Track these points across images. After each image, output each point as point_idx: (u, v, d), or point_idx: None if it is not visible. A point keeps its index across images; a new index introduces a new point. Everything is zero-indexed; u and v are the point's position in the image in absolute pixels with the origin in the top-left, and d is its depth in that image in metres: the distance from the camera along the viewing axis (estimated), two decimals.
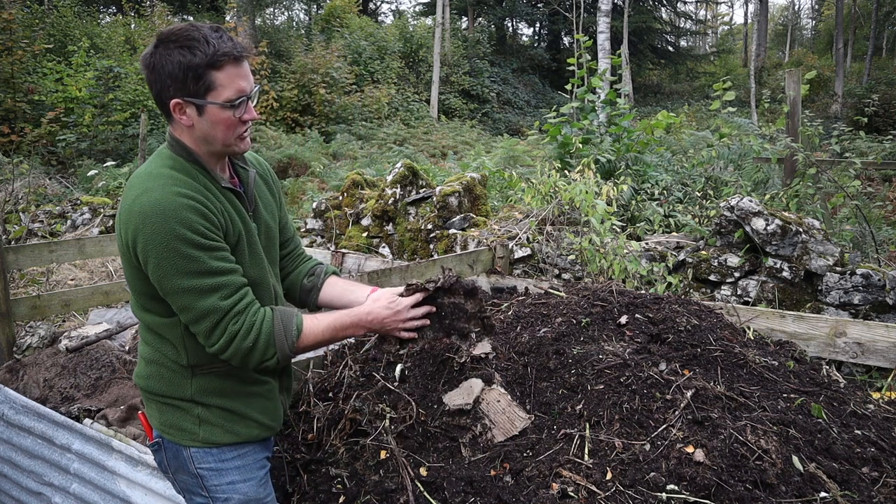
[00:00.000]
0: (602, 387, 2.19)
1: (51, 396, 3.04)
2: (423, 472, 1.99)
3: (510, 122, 24.87)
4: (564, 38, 33.24)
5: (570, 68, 7.20)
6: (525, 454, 2.02)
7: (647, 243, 4.52)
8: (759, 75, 27.06)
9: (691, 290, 4.03)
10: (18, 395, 2.73)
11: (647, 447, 1.94)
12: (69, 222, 7.24)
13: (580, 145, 6.30)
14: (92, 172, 10.69)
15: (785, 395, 2.20)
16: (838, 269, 3.69)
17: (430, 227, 5.68)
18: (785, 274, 3.80)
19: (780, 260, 3.83)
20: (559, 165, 5.58)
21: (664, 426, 2.01)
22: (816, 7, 46.06)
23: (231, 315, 1.54)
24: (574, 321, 2.61)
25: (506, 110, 26.22)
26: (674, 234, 5.11)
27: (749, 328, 2.82)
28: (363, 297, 1.87)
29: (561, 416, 2.15)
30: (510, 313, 2.91)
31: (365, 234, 6.25)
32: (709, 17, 46.76)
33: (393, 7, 43.91)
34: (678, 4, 36.16)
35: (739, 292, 3.93)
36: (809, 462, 1.86)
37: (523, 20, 34.54)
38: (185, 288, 1.50)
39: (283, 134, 15.52)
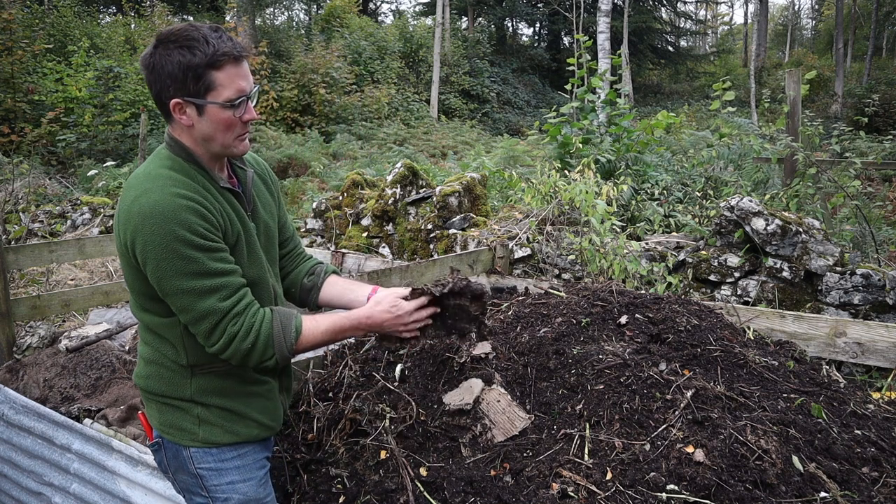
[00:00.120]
0: (602, 387, 2.19)
1: (51, 396, 3.04)
2: (423, 472, 1.99)
3: (510, 122, 24.87)
4: (564, 38, 33.24)
5: (570, 68, 7.20)
6: (525, 454, 2.02)
7: (647, 243, 4.52)
8: (759, 75, 27.06)
9: (691, 290, 4.03)
10: (18, 395, 2.73)
11: (647, 447, 1.94)
12: (69, 222, 7.24)
13: (580, 145, 6.30)
14: (92, 172, 10.69)
15: (785, 395, 2.20)
16: (838, 269, 3.69)
17: (430, 227, 5.68)
18: (785, 274, 3.80)
19: (780, 260, 3.83)
20: (559, 165, 5.58)
21: (664, 426, 2.01)
22: (816, 7, 46.07)
23: (230, 316, 1.54)
24: (574, 321, 2.61)
25: (506, 110, 26.22)
26: (674, 234, 5.11)
27: (749, 328, 2.82)
28: (363, 296, 1.87)
29: (561, 416, 2.15)
30: (510, 313, 2.91)
31: (365, 234, 6.25)
32: (709, 17, 46.76)
33: (393, 7, 43.96)
34: (678, 4, 36.17)
35: (739, 292, 3.93)
36: (809, 462, 1.86)
37: (523, 20, 34.54)
38: (184, 289, 1.50)
39: (283, 134, 15.52)
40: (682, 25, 37.60)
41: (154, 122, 13.76)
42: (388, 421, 2.14)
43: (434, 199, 5.81)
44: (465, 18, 32.12)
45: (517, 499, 1.83)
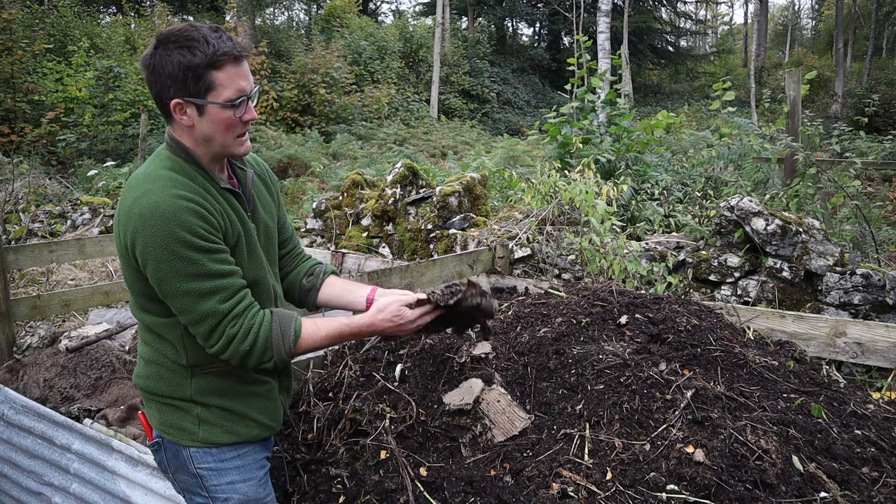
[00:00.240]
0: (602, 387, 2.19)
1: (51, 396, 3.04)
2: (423, 472, 1.99)
3: (510, 122, 24.87)
4: (564, 38, 33.24)
5: (570, 68, 7.20)
6: (525, 454, 2.02)
7: (647, 243, 4.52)
8: (759, 75, 27.06)
9: (691, 290, 4.03)
10: (18, 395, 2.73)
11: (647, 447, 1.94)
12: (69, 222, 7.24)
13: (580, 145, 6.30)
14: (92, 172, 10.69)
15: (785, 395, 2.20)
16: (838, 269, 3.69)
17: (430, 227, 5.68)
18: (785, 274, 3.80)
19: (780, 260, 3.83)
20: (559, 165, 5.58)
21: (664, 426, 2.01)
22: (816, 7, 46.07)
23: (229, 318, 1.54)
24: (574, 321, 2.61)
25: (506, 110, 26.22)
26: (674, 234, 5.12)
27: (749, 328, 2.82)
28: (362, 297, 1.87)
29: (561, 416, 2.15)
30: (510, 313, 2.91)
31: (365, 234, 6.25)
32: (709, 17, 46.76)
33: (393, 7, 43.96)
34: (678, 4, 36.17)
35: (739, 292, 3.93)
36: (809, 462, 1.86)
37: (523, 20, 34.54)
38: (184, 290, 1.50)
39: (283, 134, 15.52)
40: (682, 25, 37.60)
41: (154, 122, 13.76)
42: (388, 421, 2.14)
43: (434, 199, 5.81)
44: (465, 18, 32.11)
45: (517, 499, 1.83)
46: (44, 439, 2.60)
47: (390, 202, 6.12)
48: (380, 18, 36.86)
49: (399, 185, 6.16)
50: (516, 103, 27.03)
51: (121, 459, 2.32)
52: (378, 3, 39.12)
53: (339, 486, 2.03)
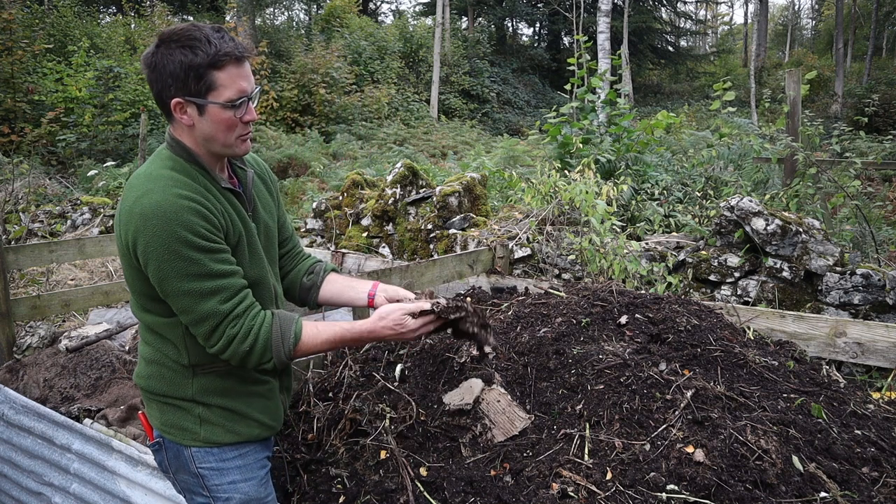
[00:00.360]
0: (602, 387, 2.19)
1: (51, 396, 3.04)
2: (423, 472, 1.99)
3: (510, 122, 24.87)
4: (564, 38, 33.24)
5: (570, 68, 7.20)
6: (525, 454, 2.02)
7: (647, 243, 4.52)
8: (759, 75, 27.06)
9: (691, 290, 4.03)
10: (18, 395, 2.73)
11: (647, 447, 1.94)
12: (69, 222, 7.24)
13: (580, 145, 6.30)
14: (92, 172, 10.69)
15: (785, 395, 2.20)
16: (838, 269, 3.69)
17: (430, 227, 5.68)
18: (785, 274, 3.80)
19: (780, 260, 3.83)
20: (559, 165, 5.58)
21: (664, 426, 2.01)
22: (816, 7, 46.07)
23: (230, 318, 1.54)
24: (574, 321, 2.61)
25: (506, 110, 26.22)
26: (674, 234, 5.12)
27: (749, 328, 2.82)
28: (364, 293, 1.88)
29: (561, 416, 2.15)
30: (510, 313, 2.91)
31: (365, 234, 6.25)
32: (709, 17, 46.76)
33: (393, 7, 43.96)
34: (678, 4, 36.17)
35: (739, 292, 3.93)
36: (809, 462, 1.86)
37: (523, 20, 34.54)
38: (185, 290, 1.50)
39: (283, 134, 15.52)
40: (682, 25, 37.60)
41: (154, 122, 13.76)
42: (388, 421, 2.14)
43: (434, 199, 5.81)
44: (465, 18, 32.11)
45: (517, 499, 1.84)
46: (44, 439, 2.60)
47: (390, 202, 6.12)
48: (380, 18, 36.88)
49: (399, 185, 6.16)
50: (516, 103, 27.03)
51: (121, 459, 2.32)
52: (378, 3, 39.14)
53: (339, 486, 2.03)
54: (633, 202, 5.78)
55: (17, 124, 12.48)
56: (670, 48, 35.75)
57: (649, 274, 3.99)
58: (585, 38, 7.93)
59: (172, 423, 1.67)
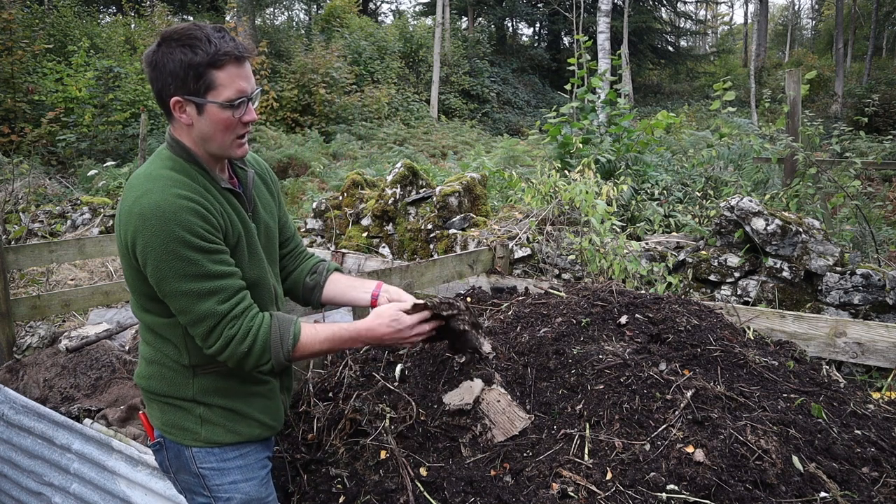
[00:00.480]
0: (602, 387, 2.19)
1: (51, 396, 3.04)
2: (423, 472, 1.99)
3: (510, 122, 24.87)
4: (564, 38, 33.24)
5: (570, 68, 7.20)
6: (525, 454, 2.02)
7: (647, 243, 4.52)
8: (759, 75, 27.06)
9: (691, 290, 4.03)
10: (18, 395, 2.73)
11: (647, 447, 1.94)
12: (69, 222, 7.24)
13: (580, 145, 6.30)
14: (92, 172, 10.70)
15: (785, 395, 2.20)
16: (838, 269, 3.69)
17: (430, 227, 5.68)
18: (785, 274, 3.80)
19: (780, 260, 3.83)
20: (559, 165, 5.58)
21: (664, 426, 2.01)
22: (816, 7, 46.07)
23: (228, 319, 1.54)
24: (574, 321, 2.61)
25: (506, 110, 26.22)
26: (674, 234, 5.12)
27: (749, 328, 2.82)
28: (367, 292, 1.88)
29: (561, 416, 2.15)
30: (510, 313, 2.91)
31: (365, 234, 6.25)
32: (709, 17, 46.76)
33: (393, 7, 43.96)
34: (678, 4, 36.17)
35: (739, 292, 3.93)
36: (809, 462, 1.86)
37: (523, 20, 34.54)
38: (182, 291, 1.50)
39: (283, 134, 15.52)
40: (682, 25, 37.60)
41: (154, 122, 13.77)
42: (388, 421, 2.14)
43: (434, 199, 5.81)
44: (465, 18, 32.11)
45: (517, 499, 1.84)
46: (44, 439, 2.60)
47: (390, 202, 6.12)
48: (380, 18, 36.88)
49: (399, 185, 6.16)
50: (516, 103, 27.03)
51: (121, 459, 2.32)
52: (378, 3, 39.14)
53: (339, 486, 2.03)
54: (633, 202, 5.78)
55: (17, 124, 12.48)
56: (670, 48, 35.75)
57: (649, 274, 3.99)
58: (585, 38, 7.93)
59: (173, 423, 1.67)
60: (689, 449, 1.88)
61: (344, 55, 20.42)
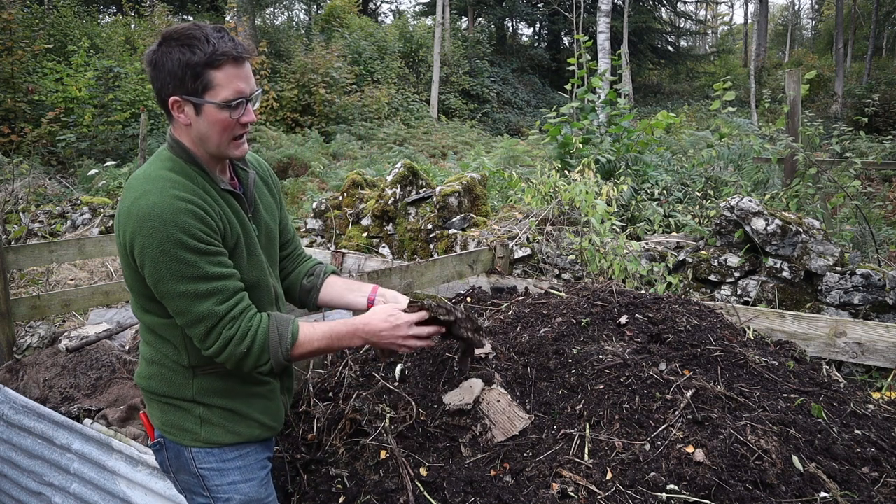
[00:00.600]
0: (602, 387, 2.19)
1: (51, 396, 3.04)
2: (423, 472, 1.99)
3: (510, 122, 24.87)
4: (564, 38, 33.25)
5: (570, 68, 7.20)
6: (525, 454, 2.02)
7: (647, 243, 4.52)
8: (759, 75, 27.06)
9: (691, 290, 4.03)
10: (18, 395, 2.73)
11: (647, 447, 1.94)
12: (69, 222, 7.24)
13: (580, 145, 6.30)
14: (92, 172, 10.70)
15: (785, 395, 2.20)
16: (838, 269, 3.69)
17: (430, 227, 5.68)
18: (785, 274, 3.80)
19: (780, 260, 3.83)
20: (559, 165, 5.58)
21: (664, 426, 2.01)
22: (816, 7, 46.07)
23: (226, 320, 1.54)
24: (574, 321, 2.61)
25: (506, 110, 26.22)
26: (674, 234, 5.12)
27: (749, 328, 2.82)
28: (364, 295, 1.88)
29: (561, 416, 2.15)
30: (510, 313, 2.91)
31: (365, 234, 6.25)
32: (709, 17, 46.76)
33: (393, 7, 43.96)
34: (678, 4, 36.17)
35: (739, 292, 3.93)
36: (809, 462, 1.86)
37: (523, 20, 34.54)
38: (180, 292, 1.50)
39: (283, 134, 15.52)
40: (682, 25, 37.60)
41: (154, 122, 13.77)
42: (388, 421, 2.14)
43: (434, 199, 5.81)
44: (465, 18, 32.12)
45: (517, 499, 1.84)
46: (44, 439, 2.60)
47: (390, 202, 6.12)
48: (380, 18, 36.88)
49: (399, 185, 6.16)
50: (516, 103, 27.03)
51: (121, 459, 2.32)
52: (378, 3, 39.14)
53: (339, 486, 2.03)
54: (633, 202, 5.78)
55: (17, 124, 12.49)
56: (670, 48, 35.75)
57: (649, 274, 3.99)
58: (585, 38, 7.93)
59: (173, 424, 1.67)
60: (689, 449, 1.88)
61: (344, 55, 20.42)
